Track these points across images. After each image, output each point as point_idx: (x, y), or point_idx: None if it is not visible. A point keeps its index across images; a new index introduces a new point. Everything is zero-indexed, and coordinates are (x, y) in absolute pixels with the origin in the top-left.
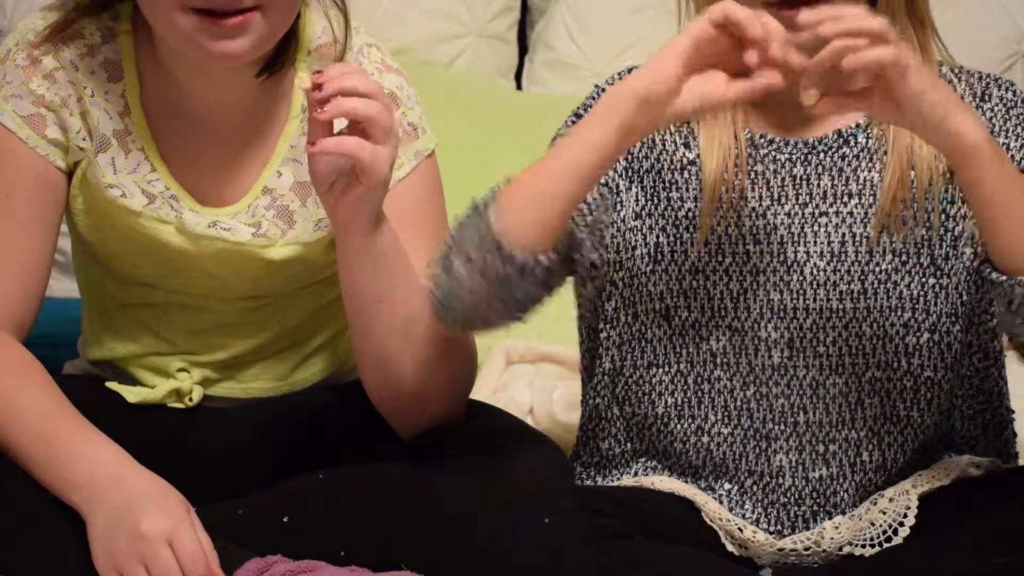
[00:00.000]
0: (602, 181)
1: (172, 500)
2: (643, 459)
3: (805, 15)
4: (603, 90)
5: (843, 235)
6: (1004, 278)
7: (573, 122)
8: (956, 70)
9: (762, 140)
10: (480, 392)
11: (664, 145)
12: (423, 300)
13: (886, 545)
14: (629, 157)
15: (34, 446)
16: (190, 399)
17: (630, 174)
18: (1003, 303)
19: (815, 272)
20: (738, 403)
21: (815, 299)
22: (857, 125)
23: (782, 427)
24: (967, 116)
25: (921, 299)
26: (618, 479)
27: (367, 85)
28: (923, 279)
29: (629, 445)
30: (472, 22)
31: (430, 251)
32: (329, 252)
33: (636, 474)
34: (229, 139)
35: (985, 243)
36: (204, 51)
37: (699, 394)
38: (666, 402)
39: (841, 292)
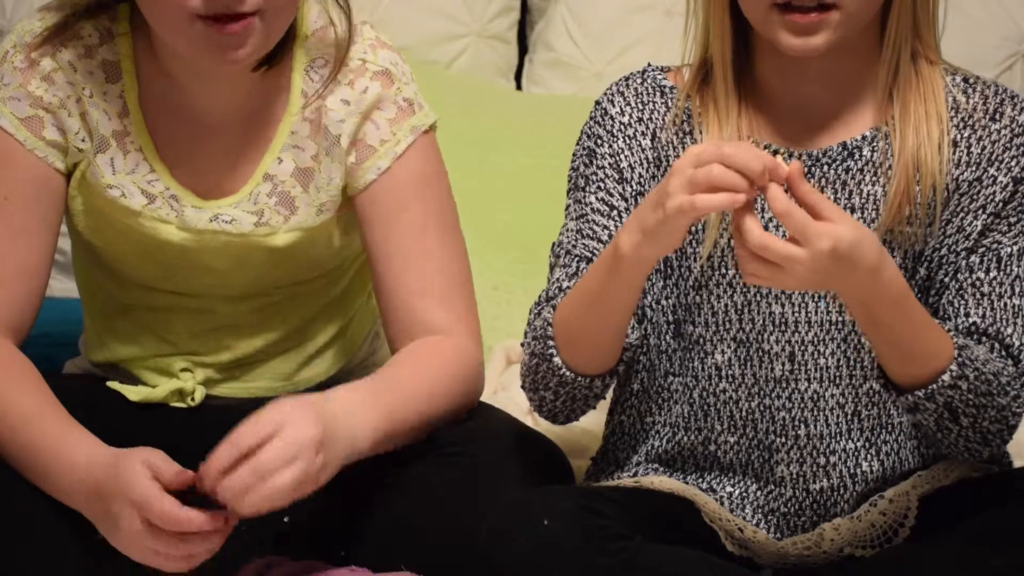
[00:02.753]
0: (616, 214)
1: (125, 475)
2: (652, 464)
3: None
4: (604, 111)
5: None
6: (894, 396)
7: (582, 152)
8: (971, 80)
9: (766, 151)
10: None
11: (668, 161)
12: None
13: (886, 546)
14: (636, 182)
15: (20, 455)
16: (192, 399)
17: (629, 197)
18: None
19: None
20: (743, 414)
21: (816, 311)
22: (863, 137)
23: (783, 439)
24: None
25: (940, 314)
26: (619, 478)
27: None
28: (919, 293)
29: (643, 454)
30: (472, 22)
31: (433, 225)
32: (331, 240)
33: (636, 474)
34: (229, 134)
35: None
36: (210, 59)
37: (705, 407)
38: (674, 412)
39: (841, 305)
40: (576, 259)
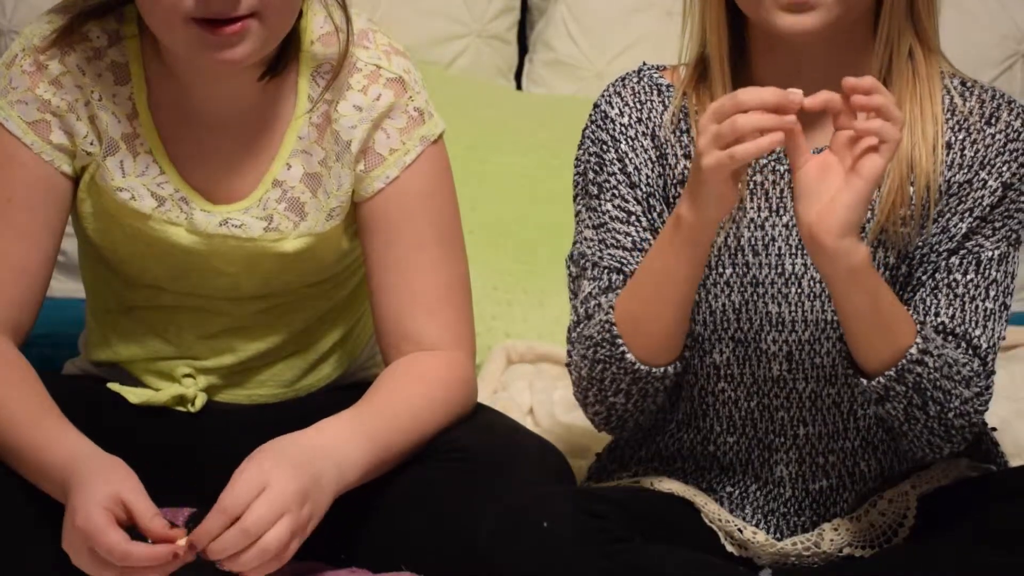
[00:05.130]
0: (635, 219)
1: (78, 497)
2: (653, 463)
3: (849, 81)
4: (604, 113)
5: None
6: (862, 380)
7: (589, 158)
8: (968, 84)
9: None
10: (480, 392)
11: (667, 159)
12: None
13: (886, 546)
14: (644, 184)
15: (13, 453)
16: (192, 405)
17: (642, 200)
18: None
19: (812, 284)
20: (742, 413)
21: (812, 311)
22: None
23: (782, 439)
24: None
25: (911, 311)
26: (620, 478)
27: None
28: (899, 290)
29: (645, 451)
30: (472, 22)
31: (434, 238)
32: (341, 241)
33: (636, 474)
34: (237, 137)
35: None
36: (205, 59)
37: (703, 406)
38: (679, 410)
39: None
40: (605, 271)
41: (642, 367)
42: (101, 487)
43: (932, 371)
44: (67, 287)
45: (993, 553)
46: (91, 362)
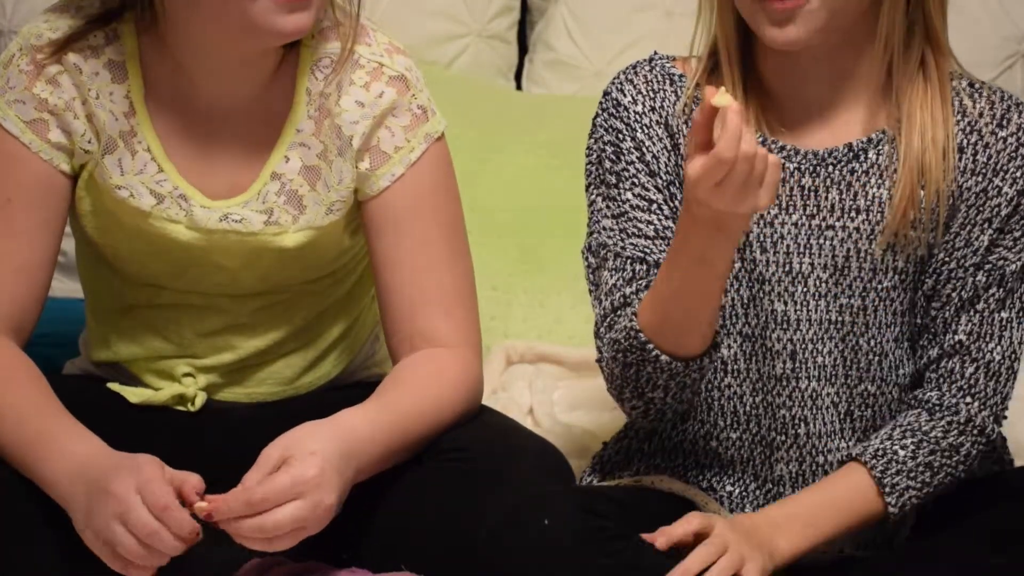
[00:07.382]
0: (656, 207)
1: (141, 459)
2: (655, 460)
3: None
4: (616, 101)
5: (848, 250)
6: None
7: (603, 147)
8: (976, 85)
9: (773, 146)
10: None
11: (680, 149)
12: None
13: (886, 546)
14: (664, 172)
15: (16, 451)
16: (192, 404)
17: (663, 188)
18: None
19: (818, 283)
20: (747, 409)
21: (816, 310)
22: (868, 140)
23: (783, 437)
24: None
25: (911, 315)
26: (620, 477)
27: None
28: (923, 302)
29: (648, 445)
30: (472, 22)
31: (442, 235)
32: (342, 238)
33: (637, 472)
34: (235, 131)
35: None
36: (273, 29)
37: (709, 400)
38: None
39: (841, 305)
40: (628, 260)
41: (678, 363)
42: (145, 456)
43: (924, 486)
44: (67, 287)
45: (993, 553)
46: (91, 362)
